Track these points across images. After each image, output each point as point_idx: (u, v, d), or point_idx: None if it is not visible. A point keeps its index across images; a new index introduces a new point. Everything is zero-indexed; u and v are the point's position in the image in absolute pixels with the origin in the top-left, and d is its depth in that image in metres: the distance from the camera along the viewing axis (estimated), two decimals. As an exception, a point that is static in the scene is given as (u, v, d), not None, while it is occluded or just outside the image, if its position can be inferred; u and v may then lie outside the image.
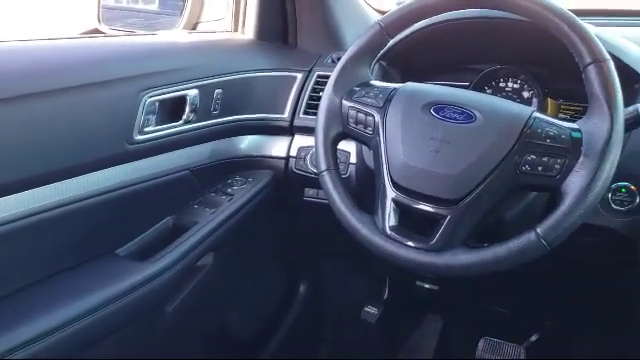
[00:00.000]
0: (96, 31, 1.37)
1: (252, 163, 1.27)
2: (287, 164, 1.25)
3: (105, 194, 0.97)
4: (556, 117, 0.81)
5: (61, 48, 0.99)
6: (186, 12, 1.45)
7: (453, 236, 0.78)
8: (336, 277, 1.63)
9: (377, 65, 1.15)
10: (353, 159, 1.16)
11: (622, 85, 0.74)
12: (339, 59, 0.95)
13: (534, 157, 0.75)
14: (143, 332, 1.04)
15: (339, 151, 0.96)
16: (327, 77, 0.97)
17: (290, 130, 1.25)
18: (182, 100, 1.09)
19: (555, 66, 1.05)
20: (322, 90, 0.96)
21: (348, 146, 1.14)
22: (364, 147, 1.08)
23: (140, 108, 1.00)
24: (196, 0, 1.47)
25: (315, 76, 1.25)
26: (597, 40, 0.75)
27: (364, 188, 1.05)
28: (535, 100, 1.12)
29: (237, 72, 1.22)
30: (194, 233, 1.08)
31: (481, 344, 1.48)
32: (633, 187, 0.93)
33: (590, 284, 1.26)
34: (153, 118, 1.03)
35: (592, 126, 0.74)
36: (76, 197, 0.92)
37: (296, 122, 1.24)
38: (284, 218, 1.39)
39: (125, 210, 1.02)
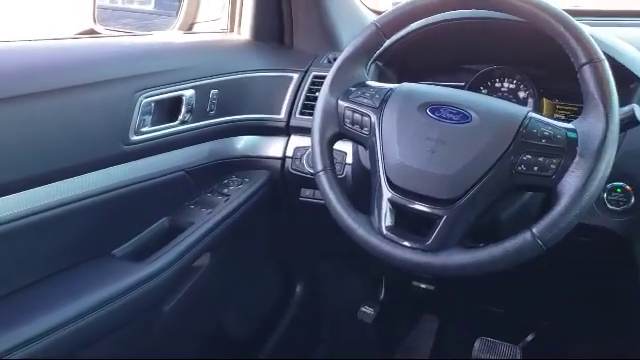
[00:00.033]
0: (92, 31, 1.37)
1: (248, 163, 1.27)
2: (283, 164, 1.25)
3: (101, 195, 0.97)
4: (552, 117, 0.82)
5: (56, 48, 0.99)
6: (182, 12, 1.45)
7: (449, 236, 0.78)
8: (332, 277, 1.63)
9: (373, 65, 1.15)
10: (349, 159, 1.16)
11: (617, 85, 0.74)
12: (335, 59, 0.95)
13: (530, 157, 0.75)
14: (140, 333, 1.04)
15: (335, 151, 0.96)
16: (323, 77, 0.97)
17: (286, 130, 1.25)
18: (178, 100, 1.09)
19: (551, 66, 1.05)
20: (318, 90, 0.96)
21: (344, 146, 1.14)
22: (360, 147, 1.08)
23: (136, 108, 1.00)
24: (192, 0, 1.46)
25: (311, 76, 1.26)
26: (592, 40, 0.75)
27: (360, 188, 1.05)
28: (531, 100, 1.12)
29: (233, 72, 1.21)
30: (190, 234, 1.08)
31: (477, 344, 1.48)
32: (628, 187, 0.93)
33: (586, 284, 1.26)
34: (149, 118, 1.03)
35: (587, 126, 0.74)
36: (72, 198, 0.92)
37: (292, 122, 1.24)
38: (280, 218, 1.39)
39: (121, 211, 1.02)
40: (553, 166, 0.74)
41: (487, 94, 1.15)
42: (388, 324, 1.60)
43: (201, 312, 1.25)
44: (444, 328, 1.66)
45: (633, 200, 0.93)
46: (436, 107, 0.83)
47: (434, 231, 0.78)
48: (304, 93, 1.24)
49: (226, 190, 1.21)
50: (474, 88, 1.15)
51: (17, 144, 0.83)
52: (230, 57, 1.28)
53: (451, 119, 0.81)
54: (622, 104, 0.75)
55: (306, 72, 1.27)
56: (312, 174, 0.94)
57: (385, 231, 0.82)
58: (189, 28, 1.48)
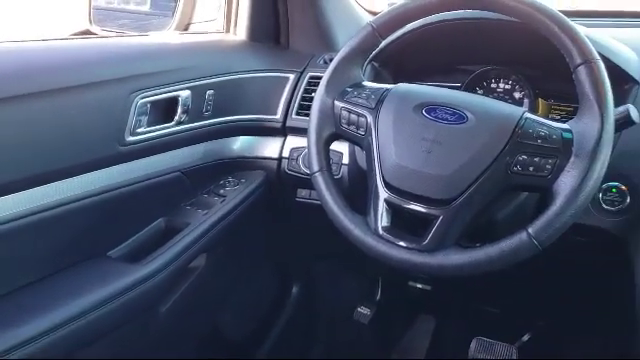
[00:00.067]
0: (87, 32, 1.36)
1: (244, 164, 1.27)
2: (279, 165, 1.25)
3: (97, 196, 0.97)
4: (547, 117, 0.82)
5: (51, 49, 0.99)
6: (178, 13, 1.45)
7: (445, 236, 0.78)
8: (329, 278, 1.63)
9: (369, 66, 1.15)
10: (346, 160, 1.16)
11: (612, 85, 0.75)
12: (331, 60, 0.95)
13: (525, 157, 0.76)
14: (136, 333, 1.04)
15: (331, 152, 0.96)
16: (319, 78, 0.97)
17: (282, 131, 1.25)
18: (174, 101, 1.08)
19: (546, 67, 1.05)
20: (314, 91, 0.96)
21: (341, 147, 1.14)
22: (356, 148, 1.08)
23: (132, 109, 0.99)
24: (188, 1, 1.46)
25: (307, 77, 1.26)
26: (587, 41, 0.76)
27: (356, 189, 1.05)
28: (526, 101, 1.12)
29: (229, 73, 1.21)
30: (186, 234, 1.07)
31: (473, 344, 1.48)
32: (624, 187, 0.93)
33: (581, 284, 1.27)
34: (145, 119, 1.03)
35: (583, 126, 0.74)
36: (68, 199, 0.92)
37: (288, 123, 1.24)
38: (277, 219, 1.39)
39: (117, 212, 1.02)
40: (549, 166, 0.74)
41: (483, 95, 1.15)
42: (384, 324, 1.60)
43: (197, 313, 1.25)
44: (440, 328, 1.66)
45: (628, 200, 0.93)
46: (432, 108, 0.84)
47: (430, 231, 0.79)
48: (300, 94, 1.24)
49: (222, 191, 1.21)
50: (470, 89, 1.15)
51: (12, 145, 0.82)
52: (226, 58, 1.28)
53: (447, 119, 0.82)
54: (617, 104, 0.76)
55: (302, 73, 1.27)
56: (308, 175, 0.94)
57: (381, 231, 0.82)
58: (185, 29, 1.48)
